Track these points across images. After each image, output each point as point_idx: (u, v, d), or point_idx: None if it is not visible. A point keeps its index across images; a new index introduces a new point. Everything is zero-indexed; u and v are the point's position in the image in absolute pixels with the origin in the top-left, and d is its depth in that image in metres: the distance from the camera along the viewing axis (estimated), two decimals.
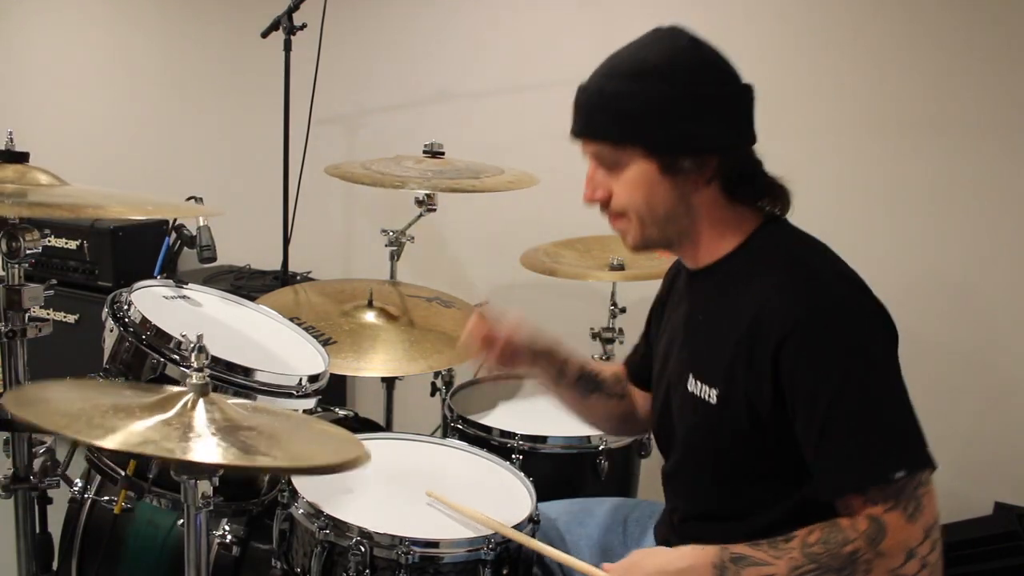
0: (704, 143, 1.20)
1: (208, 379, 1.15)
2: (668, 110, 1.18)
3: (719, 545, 1.15)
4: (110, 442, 1.01)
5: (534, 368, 1.48)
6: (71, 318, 3.02)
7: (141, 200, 1.57)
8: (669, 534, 1.40)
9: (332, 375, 1.67)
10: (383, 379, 2.31)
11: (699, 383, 1.25)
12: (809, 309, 1.14)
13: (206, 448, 1.05)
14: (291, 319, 1.85)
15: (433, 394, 2.25)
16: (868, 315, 1.17)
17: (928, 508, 1.10)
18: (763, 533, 1.16)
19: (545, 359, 1.48)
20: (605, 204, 1.27)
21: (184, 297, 1.75)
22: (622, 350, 1.67)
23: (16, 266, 1.47)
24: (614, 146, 1.22)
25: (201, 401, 1.13)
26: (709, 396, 1.23)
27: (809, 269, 1.20)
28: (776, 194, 1.26)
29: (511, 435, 1.82)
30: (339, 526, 1.35)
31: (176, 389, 1.17)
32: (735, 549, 1.14)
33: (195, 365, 1.14)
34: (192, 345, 1.15)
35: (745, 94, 1.23)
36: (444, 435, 1.91)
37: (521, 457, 1.78)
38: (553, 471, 1.80)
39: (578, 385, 1.51)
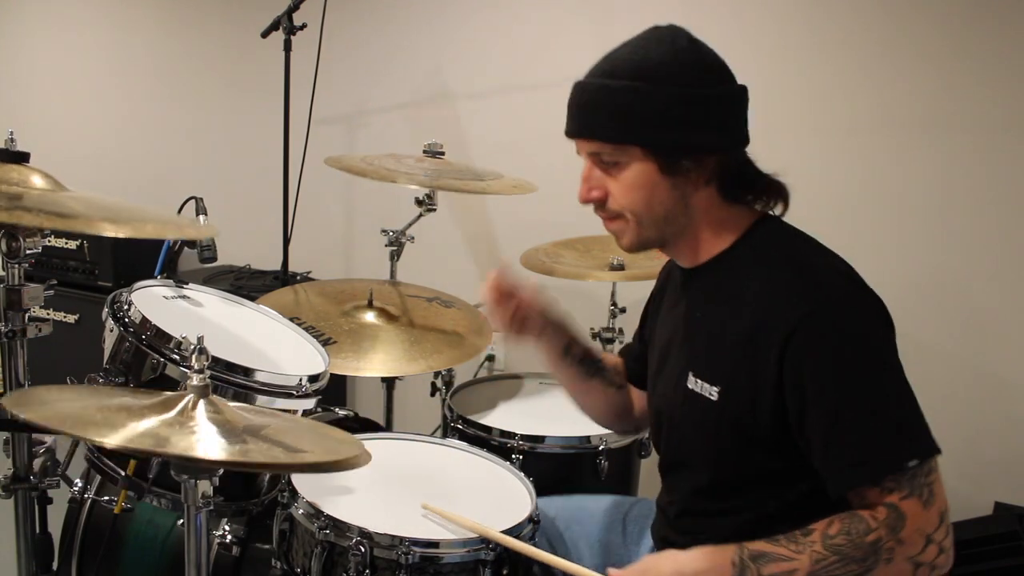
0: (704, 144, 1.20)
1: (208, 381, 1.15)
2: (669, 111, 1.18)
3: (736, 544, 1.14)
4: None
5: (542, 337, 1.47)
6: (71, 318, 3.02)
7: (131, 215, 1.52)
8: (666, 530, 1.40)
9: (332, 375, 1.67)
10: (383, 379, 2.30)
11: (700, 381, 1.25)
12: (811, 306, 1.14)
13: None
14: (291, 319, 1.84)
15: (433, 394, 2.25)
16: (868, 308, 1.17)
17: (939, 494, 1.12)
18: (757, 528, 1.16)
19: (555, 331, 1.48)
20: (601, 204, 1.26)
21: (184, 297, 1.75)
22: None
23: (16, 266, 1.46)
24: (613, 146, 1.21)
25: (203, 403, 1.13)
26: (710, 394, 1.23)
27: (806, 265, 1.21)
28: (773, 193, 1.26)
29: (511, 435, 1.82)
30: (339, 526, 1.35)
31: (179, 393, 1.16)
32: (753, 546, 1.13)
33: (195, 367, 1.14)
34: (193, 347, 1.15)
35: (740, 95, 1.23)
36: (444, 435, 1.91)
37: (521, 457, 1.79)
38: (553, 471, 1.80)
39: (582, 365, 1.51)
